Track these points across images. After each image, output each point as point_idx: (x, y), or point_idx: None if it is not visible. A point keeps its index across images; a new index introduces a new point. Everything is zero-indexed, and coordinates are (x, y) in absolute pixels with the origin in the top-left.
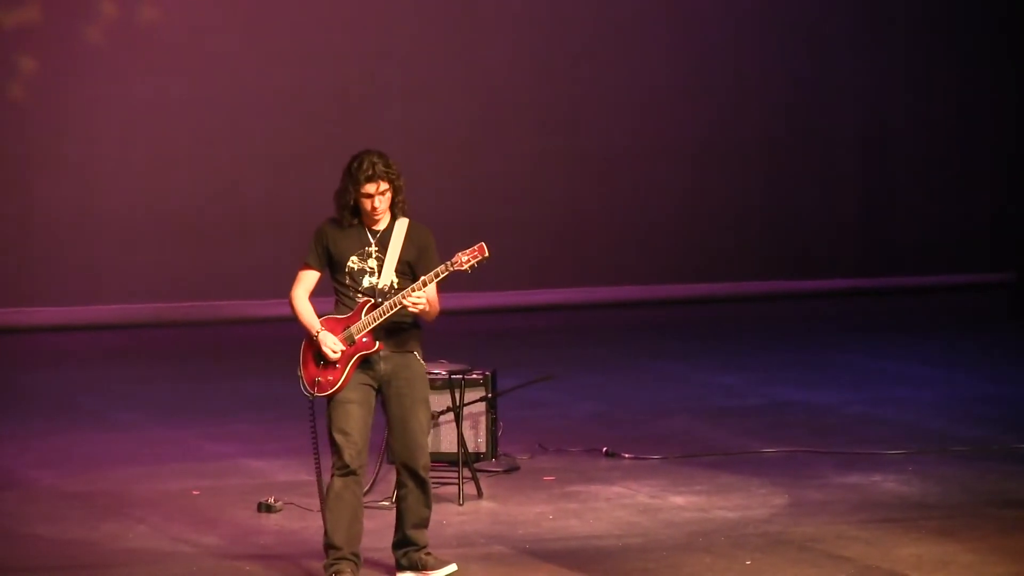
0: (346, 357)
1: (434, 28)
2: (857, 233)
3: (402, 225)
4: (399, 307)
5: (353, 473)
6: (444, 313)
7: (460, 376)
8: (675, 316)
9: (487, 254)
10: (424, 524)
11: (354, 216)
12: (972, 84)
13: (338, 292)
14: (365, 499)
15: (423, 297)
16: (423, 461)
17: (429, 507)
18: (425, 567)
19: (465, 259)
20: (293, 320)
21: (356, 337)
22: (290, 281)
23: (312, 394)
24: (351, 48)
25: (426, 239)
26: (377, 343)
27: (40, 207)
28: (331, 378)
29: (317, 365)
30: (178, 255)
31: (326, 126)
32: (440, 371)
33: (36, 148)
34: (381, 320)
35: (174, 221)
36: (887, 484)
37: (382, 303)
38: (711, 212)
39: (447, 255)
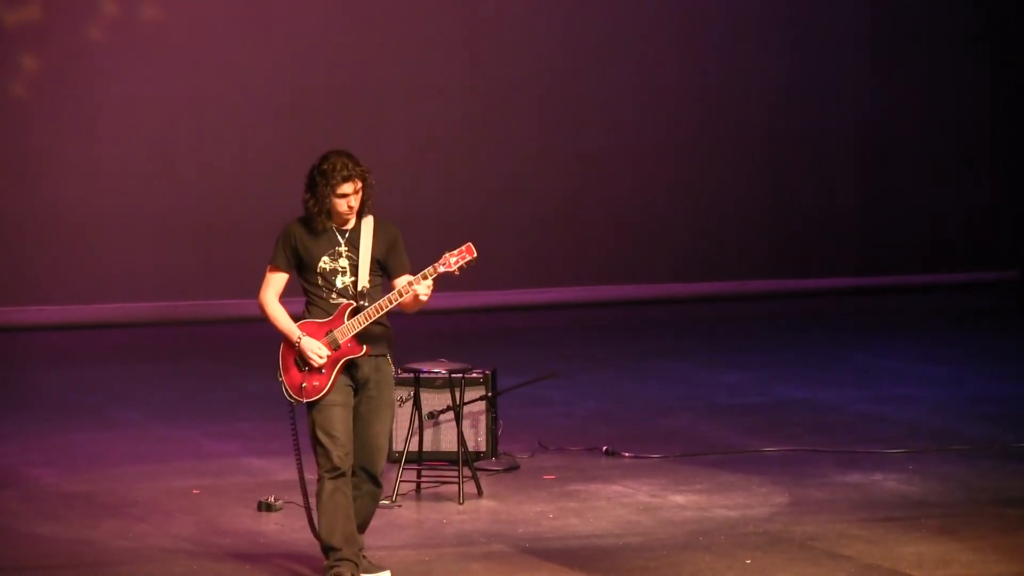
0: (332, 362)
1: (435, 27)
2: (859, 231)
3: (369, 223)
4: (388, 308)
5: (343, 474)
6: (446, 312)
7: (460, 375)
8: (677, 315)
9: (475, 255)
10: (366, 526)
11: (329, 219)
12: (973, 82)
13: (309, 293)
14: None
15: (429, 289)
16: (381, 466)
17: (373, 515)
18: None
19: (453, 260)
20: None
21: (341, 342)
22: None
23: (298, 400)
24: (352, 47)
25: (394, 234)
26: (364, 347)
27: (42, 206)
28: (317, 384)
29: (301, 370)
30: (180, 254)
31: (328, 125)
32: (440, 370)
33: (37, 147)
34: (368, 323)
35: (176, 220)
36: (888, 483)
37: (364, 306)
38: (713, 210)
39: (443, 255)
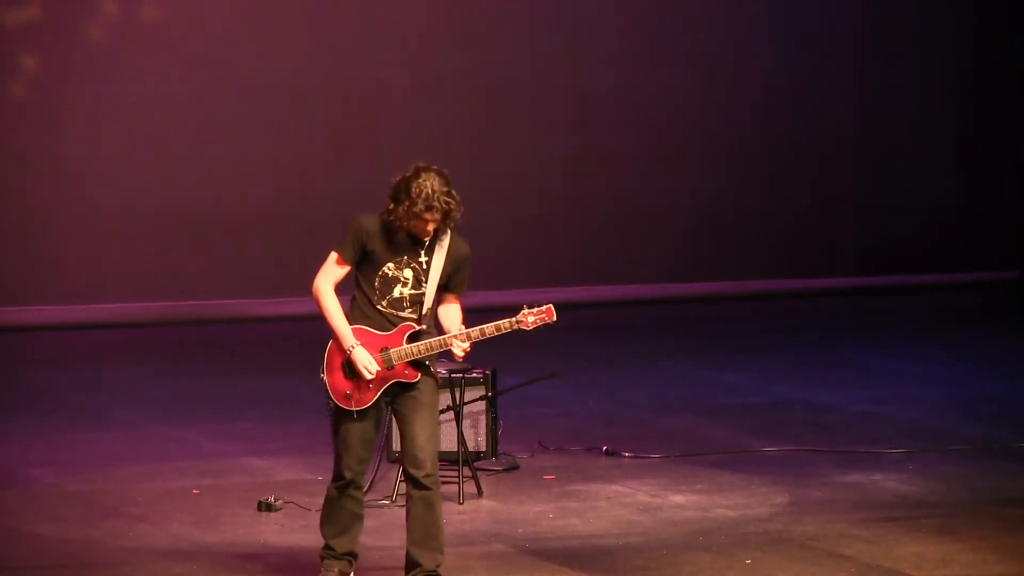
0: (380, 380)
1: (438, 26)
2: (859, 231)
3: (444, 240)
4: (445, 347)
5: (351, 483)
6: None
7: (460, 375)
8: (677, 314)
9: (555, 318)
10: (429, 544)
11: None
12: (973, 82)
13: (361, 292)
14: (366, 498)
15: (467, 349)
16: (425, 470)
17: (437, 525)
18: None
19: (531, 320)
20: (294, 319)
21: (396, 363)
22: (291, 279)
23: (337, 405)
24: (354, 46)
25: (464, 256)
26: (418, 373)
27: (41, 205)
28: (362, 398)
29: (347, 377)
30: (179, 254)
31: (328, 125)
32: (440, 370)
33: (37, 146)
34: (427, 355)
35: (175, 219)
36: (888, 483)
37: (424, 331)
38: (713, 210)
39: (523, 308)
